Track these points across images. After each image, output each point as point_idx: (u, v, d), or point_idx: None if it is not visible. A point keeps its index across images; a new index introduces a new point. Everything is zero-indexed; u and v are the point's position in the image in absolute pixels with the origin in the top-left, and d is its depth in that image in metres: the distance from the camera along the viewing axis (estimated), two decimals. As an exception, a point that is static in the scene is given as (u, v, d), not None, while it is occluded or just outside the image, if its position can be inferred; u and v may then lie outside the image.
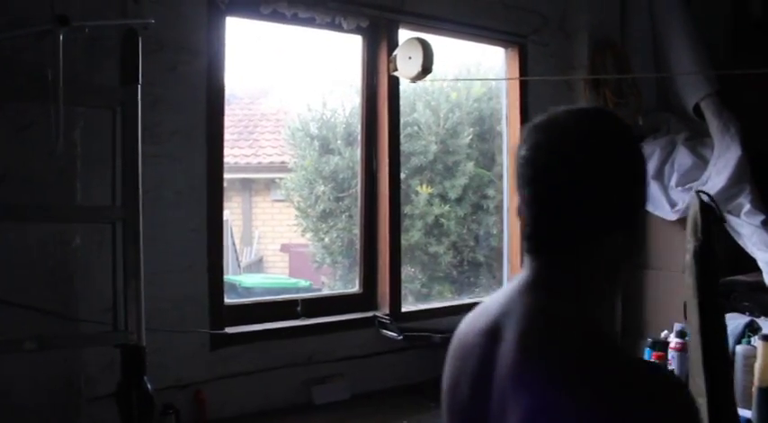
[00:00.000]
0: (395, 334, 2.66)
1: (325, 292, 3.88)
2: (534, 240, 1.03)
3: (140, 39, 1.93)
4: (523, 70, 3.27)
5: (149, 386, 1.85)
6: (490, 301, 1.10)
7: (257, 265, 7.47)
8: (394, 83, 2.82)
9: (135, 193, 1.88)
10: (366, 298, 2.83)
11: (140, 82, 1.91)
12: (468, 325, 1.11)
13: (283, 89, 7.04)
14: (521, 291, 1.03)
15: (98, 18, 1.96)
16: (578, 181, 0.98)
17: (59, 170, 1.96)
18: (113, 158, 1.95)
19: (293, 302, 2.63)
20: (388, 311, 2.78)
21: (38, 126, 1.88)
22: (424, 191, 4.21)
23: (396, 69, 2.68)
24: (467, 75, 4.17)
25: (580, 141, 1.00)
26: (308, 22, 2.59)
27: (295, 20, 2.55)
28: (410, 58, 2.59)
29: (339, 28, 2.68)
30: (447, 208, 4.23)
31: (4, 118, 1.89)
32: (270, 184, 7.68)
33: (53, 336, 1.91)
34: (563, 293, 1.00)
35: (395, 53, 2.67)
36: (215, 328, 2.37)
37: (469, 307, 3.03)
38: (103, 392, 2.05)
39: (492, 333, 1.03)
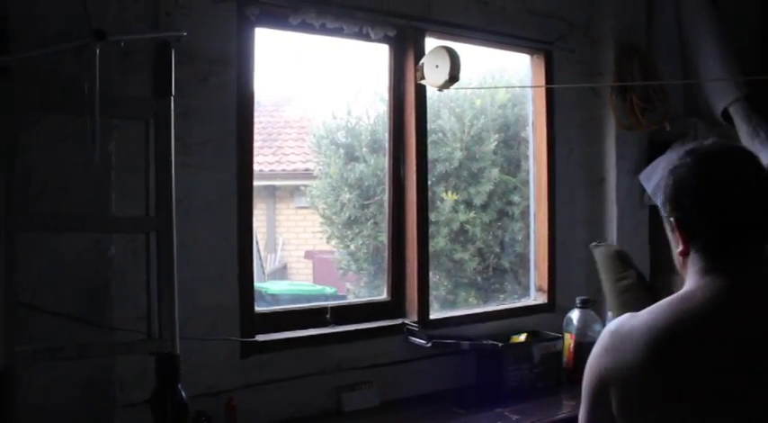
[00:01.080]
0: (423, 341, 2.66)
1: (354, 299, 3.90)
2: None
3: (173, 51, 1.97)
4: (549, 77, 3.27)
5: (184, 394, 1.87)
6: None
7: (281, 272, 7.52)
8: (421, 91, 2.83)
9: (168, 203, 1.91)
10: (394, 305, 2.83)
11: (173, 94, 1.95)
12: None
13: (307, 97, 7.09)
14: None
15: (131, 32, 2.00)
16: None
17: (94, 181, 2.00)
18: (146, 169, 1.99)
19: (322, 310, 2.65)
20: (416, 319, 2.78)
21: (74, 138, 1.91)
22: (450, 197, 4.22)
23: (423, 78, 2.69)
24: (491, 81, 4.17)
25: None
26: (336, 32, 2.61)
27: (323, 30, 2.57)
28: (437, 66, 2.60)
29: (366, 37, 2.70)
30: (472, 214, 4.24)
31: (42, 131, 1.92)
32: (294, 192, 7.73)
33: (90, 344, 1.95)
34: None
35: (422, 62, 2.68)
36: (246, 336, 2.39)
37: (498, 314, 3.04)
38: (137, 399, 2.08)
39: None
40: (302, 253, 7.47)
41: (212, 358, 2.33)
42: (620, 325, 1.26)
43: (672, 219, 1.31)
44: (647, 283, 2.41)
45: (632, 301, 1.99)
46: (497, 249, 4.33)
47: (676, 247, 1.33)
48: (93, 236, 2.01)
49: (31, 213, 1.86)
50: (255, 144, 2.51)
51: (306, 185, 5.57)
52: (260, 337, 2.42)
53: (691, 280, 1.28)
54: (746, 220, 1.25)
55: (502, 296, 4.19)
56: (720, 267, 1.25)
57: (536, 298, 3.30)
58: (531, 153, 3.39)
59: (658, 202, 1.38)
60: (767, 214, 1.25)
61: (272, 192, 7.83)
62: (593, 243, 3.01)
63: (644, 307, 1.30)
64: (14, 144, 1.76)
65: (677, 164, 1.30)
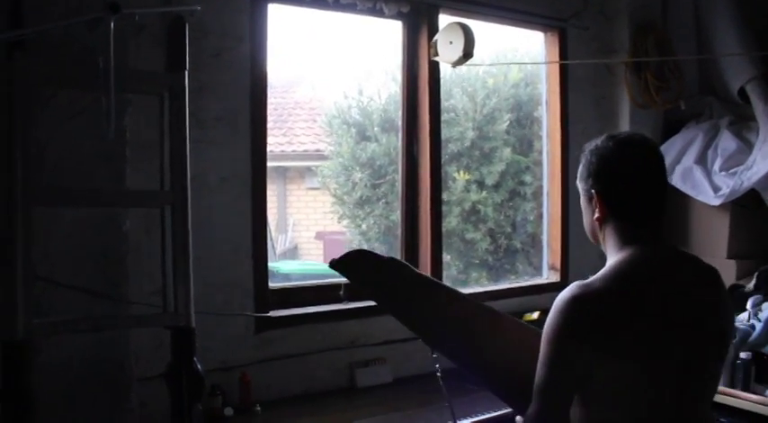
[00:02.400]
0: (436, 318, 2.66)
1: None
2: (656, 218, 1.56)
3: (187, 26, 1.96)
4: (563, 54, 3.25)
5: (199, 367, 1.89)
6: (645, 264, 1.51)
7: (292, 253, 7.53)
8: (434, 68, 2.82)
9: (183, 177, 1.91)
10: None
11: (187, 68, 1.94)
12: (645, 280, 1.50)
13: (317, 77, 7.06)
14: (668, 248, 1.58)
15: (145, 6, 1.99)
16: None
17: (109, 156, 2.00)
18: (161, 144, 1.99)
19: (336, 287, 2.65)
20: (429, 296, 2.79)
21: (88, 113, 1.92)
22: (461, 177, 4.20)
23: (436, 54, 2.68)
24: (504, 61, 4.14)
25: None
26: (350, 7, 2.60)
27: (336, 6, 2.56)
28: (451, 42, 2.59)
29: (380, 13, 2.68)
30: (484, 194, 4.22)
31: (58, 105, 1.93)
32: (304, 173, 7.72)
33: (106, 317, 1.96)
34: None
35: (435, 38, 2.67)
36: (259, 312, 2.41)
37: (511, 292, 3.04)
38: (153, 373, 2.10)
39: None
40: (313, 234, 7.47)
41: (226, 333, 2.35)
42: (582, 291, 1.47)
43: (593, 191, 1.55)
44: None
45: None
46: (509, 229, 4.31)
47: (591, 216, 1.59)
48: (108, 210, 2.02)
49: (47, 188, 1.86)
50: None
51: (317, 166, 5.55)
52: (273, 313, 2.44)
53: (617, 250, 1.54)
54: (652, 194, 1.54)
55: (513, 277, 4.19)
56: (639, 236, 1.52)
57: (549, 276, 3.30)
58: (544, 131, 3.38)
59: (578, 177, 1.61)
60: (664, 192, 1.57)
61: (282, 173, 7.82)
62: None
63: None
64: (30, 118, 1.76)
65: (600, 146, 1.56)
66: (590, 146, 1.58)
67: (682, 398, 1.52)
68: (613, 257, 1.54)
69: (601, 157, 1.54)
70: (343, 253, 1.75)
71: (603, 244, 1.59)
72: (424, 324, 1.81)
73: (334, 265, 1.74)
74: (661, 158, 1.55)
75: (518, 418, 1.65)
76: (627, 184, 1.53)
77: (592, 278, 1.50)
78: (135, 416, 2.09)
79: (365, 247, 4.55)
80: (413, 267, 1.86)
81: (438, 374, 1.87)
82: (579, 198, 1.61)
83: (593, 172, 1.55)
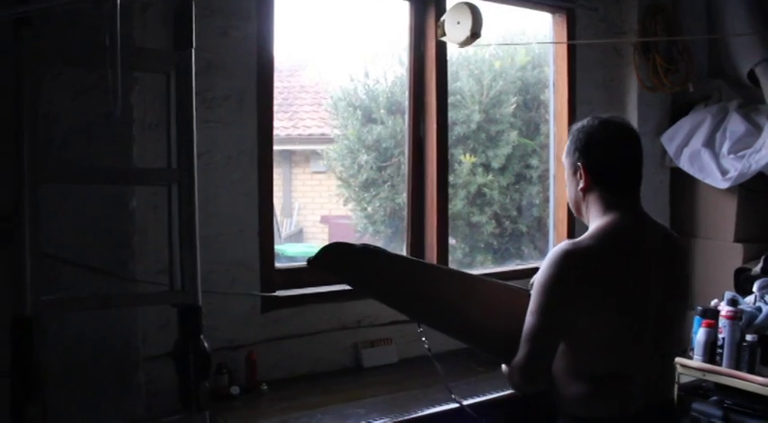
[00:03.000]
0: (442, 299, 2.66)
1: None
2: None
3: (193, 3, 1.95)
4: (571, 36, 3.22)
5: (206, 345, 1.89)
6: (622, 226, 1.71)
7: (297, 237, 7.54)
8: (441, 49, 2.80)
9: (190, 155, 1.91)
10: (413, 263, 2.84)
11: (194, 46, 1.93)
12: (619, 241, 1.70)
13: (322, 61, 7.04)
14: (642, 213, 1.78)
15: (152, -18, 1.98)
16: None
17: (116, 134, 2.00)
18: (168, 123, 1.98)
19: (342, 267, 2.66)
20: (435, 277, 2.79)
21: (96, 91, 1.92)
22: (468, 160, 4.20)
23: (444, 35, 2.66)
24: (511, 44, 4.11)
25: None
26: (357, -13, 2.58)
27: (343, -14, 2.54)
28: (458, 23, 2.57)
29: (387, -7, 2.67)
30: (490, 177, 4.22)
31: (64, 83, 1.92)
32: (310, 156, 7.72)
33: (114, 294, 1.97)
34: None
35: (443, 18, 2.65)
36: (265, 291, 2.41)
37: (517, 273, 3.04)
38: (159, 352, 2.11)
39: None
40: (318, 218, 7.48)
41: (233, 312, 2.35)
42: (572, 247, 1.65)
43: (579, 163, 1.74)
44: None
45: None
46: (514, 213, 4.31)
47: (576, 187, 1.77)
48: (114, 189, 2.02)
49: (55, 165, 1.86)
50: (271, 109, 2.49)
51: (322, 149, 5.55)
52: (280, 293, 2.44)
53: (600, 215, 1.73)
54: (629, 166, 1.75)
55: (518, 260, 4.19)
56: (619, 203, 1.72)
57: (554, 260, 3.29)
58: (551, 113, 3.36)
59: (565, 153, 1.79)
60: (640, 166, 1.76)
61: (287, 156, 7.82)
62: None
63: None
64: (37, 96, 1.75)
65: (586, 125, 1.75)
66: (577, 126, 1.78)
67: (655, 351, 1.70)
68: (597, 222, 1.73)
69: (587, 134, 1.73)
70: (319, 249, 1.80)
71: (586, 213, 1.79)
72: (407, 301, 1.88)
73: (311, 263, 1.80)
74: (638, 137, 1.76)
75: (503, 367, 1.78)
76: (609, 156, 1.73)
77: (580, 237, 1.70)
78: (142, 394, 2.10)
79: (370, 230, 4.56)
80: (386, 250, 1.90)
81: (425, 346, 1.95)
82: None
83: (579, 146, 1.74)
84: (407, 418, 2.18)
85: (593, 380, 1.68)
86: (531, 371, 1.68)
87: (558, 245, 1.67)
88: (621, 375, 1.67)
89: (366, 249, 1.85)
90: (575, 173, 1.77)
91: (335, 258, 1.82)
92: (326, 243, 1.85)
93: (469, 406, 2.15)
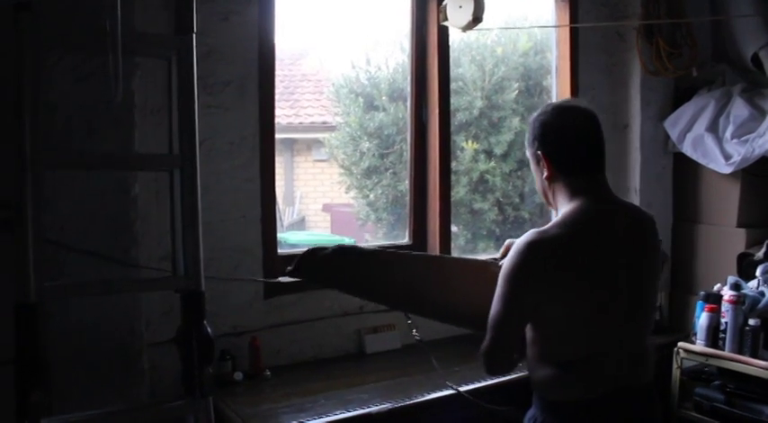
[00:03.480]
0: (445, 285, 2.66)
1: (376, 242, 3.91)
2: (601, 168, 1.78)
3: (194, -13, 1.93)
4: (573, 20, 3.20)
5: (209, 330, 1.89)
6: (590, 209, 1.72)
7: (299, 225, 7.54)
8: (443, 33, 2.79)
9: (192, 141, 1.90)
10: (416, 248, 2.83)
11: (195, 31, 1.92)
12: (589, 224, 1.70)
13: (324, 49, 7.01)
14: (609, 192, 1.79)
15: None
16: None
17: (117, 120, 1.99)
18: (169, 108, 1.97)
19: (344, 253, 2.65)
20: (437, 263, 2.79)
21: (96, 76, 1.91)
22: (470, 147, 4.19)
23: (446, 19, 2.64)
24: (513, 30, 4.09)
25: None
26: (358, -28, 2.57)
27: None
28: (460, 6, 2.56)
29: (388, -23, 2.65)
30: (492, 164, 4.21)
31: (65, 69, 1.91)
32: (311, 145, 7.70)
33: (117, 280, 1.97)
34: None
35: (445, 2, 2.64)
36: (268, 277, 2.41)
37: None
38: (163, 338, 2.12)
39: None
40: (320, 206, 7.47)
41: (235, 299, 2.36)
42: (538, 237, 1.66)
43: (539, 152, 1.75)
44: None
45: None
46: (517, 200, 4.30)
47: (541, 176, 1.78)
48: (116, 175, 2.02)
49: (56, 151, 1.85)
50: (272, 97, 2.48)
51: (324, 137, 5.53)
52: (283, 279, 2.44)
53: (567, 202, 1.74)
54: (589, 151, 1.75)
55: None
56: (585, 189, 1.72)
57: (556, 246, 3.29)
58: (553, 98, 3.35)
59: (526, 144, 1.81)
60: (601, 149, 1.76)
61: (289, 145, 7.80)
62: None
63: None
64: (39, 81, 1.74)
65: (541, 114, 1.77)
66: (534, 115, 1.79)
67: (627, 331, 1.73)
68: (563, 208, 1.74)
69: (543, 123, 1.75)
70: (297, 259, 1.85)
71: (554, 200, 1.79)
72: (389, 294, 1.94)
73: (291, 273, 1.85)
74: (595, 121, 1.76)
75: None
76: (566, 143, 1.74)
77: (547, 226, 1.71)
78: (145, 379, 2.10)
79: (372, 217, 4.55)
80: (360, 247, 2.00)
81: (416, 337, 2.00)
82: None
83: (537, 136, 1.76)
84: (409, 403, 2.19)
85: (563, 364, 1.71)
86: (495, 358, 1.73)
87: (526, 233, 1.69)
88: (591, 359, 1.70)
89: (340, 249, 1.90)
90: (537, 163, 1.79)
91: (314, 264, 1.86)
92: (303, 250, 1.88)
93: (470, 391, 2.16)
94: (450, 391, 2.17)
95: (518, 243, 1.69)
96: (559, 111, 1.77)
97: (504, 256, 1.90)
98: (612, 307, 1.70)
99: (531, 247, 1.65)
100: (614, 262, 1.71)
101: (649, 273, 1.80)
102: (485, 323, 1.73)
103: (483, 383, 2.33)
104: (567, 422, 1.73)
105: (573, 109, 1.78)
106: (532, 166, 1.83)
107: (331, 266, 1.87)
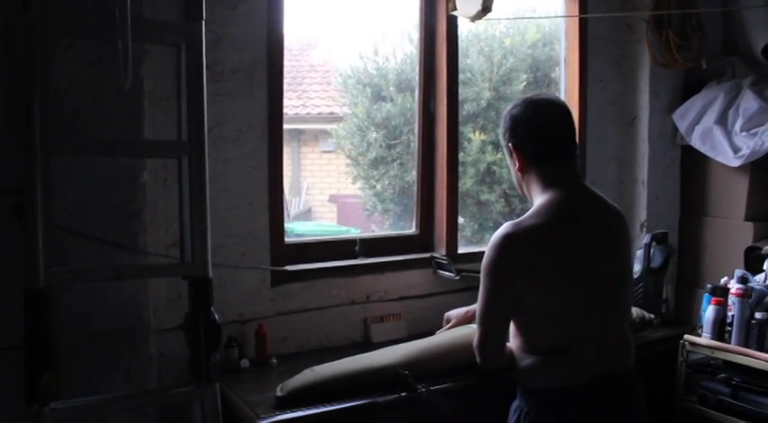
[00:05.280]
0: (452, 274, 2.67)
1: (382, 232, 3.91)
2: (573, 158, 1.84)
3: (202, -26, 1.93)
4: (583, 11, 3.18)
5: (217, 316, 1.90)
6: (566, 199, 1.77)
7: (306, 216, 7.55)
8: (452, 23, 2.78)
9: (200, 128, 1.90)
10: (423, 239, 2.84)
11: (204, 18, 1.92)
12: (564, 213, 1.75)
13: (331, 40, 6.99)
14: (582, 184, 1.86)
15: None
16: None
17: (126, 107, 2.00)
18: (178, 95, 1.98)
19: (351, 242, 2.67)
20: (444, 252, 2.80)
21: (106, 63, 1.91)
22: (477, 138, 4.17)
23: (455, 9, 2.64)
24: (522, 21, 4.07)
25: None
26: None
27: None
28: (470, -4, 2.55)
29: (398, -34, 2.64)
30: (499, 155, 4.19)
31: (74, 55, 1.92)
32: (318, 136, 7.70)
33: (125, 266, 1.98)
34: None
35: (454, -8, 2.63)
36: (275, 265, 2.42)
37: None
38: (170, 325, 2.13)
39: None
40: (326, 197, 7.48)
41: (242, 286, 2.36)
42: (514, 229, 1.71)
43: (510, 144, 1.83)
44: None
45: None
46: (523, 191, 4.29)
47: (514, 167, 1.85)
48: (125, 162, 2.03)
49: (66, 137, 1.86)
50: (280, 88, 2.47)
51: (331, 128, 5.53)
52: (290, 267, 2.45)
53: (540, 192, 1.78)
54: (558, 141, 1.80)
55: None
56: (558, 179, 1.77)
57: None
58: (562, 92, 3.33)
59: (500, 135, 1.89)
60: (570, 140, 1.82)
61: (296, 136, 7.80)
62: None
63: None
64: (48, 67, 1.75)
65: (513, 107, 1.83)
66: (507, 108, 1.86)
67: (605, 319, 1.77)
68: (538, 199, 1.79)
69: (512, 116, 1.82)
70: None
71: (528, 192, 1.84)
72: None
73: (285, 403, 1.97)
74: (564, 112, 1.82)
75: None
76: (534, 135, 1.79)
77: (522, 217, 1.75)
78: (153, 365, 2.12)
79: (379, 208, 4.55)
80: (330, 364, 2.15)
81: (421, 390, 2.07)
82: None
83: (508, 128, 1.83)
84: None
85: (543, 353, 1.76)
86: (485, 352, 1.82)
87: (502, 226, 1.73)
88: (570, 348, 1.74)
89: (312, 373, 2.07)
90: (510, 155, 1.85)
91: (303, 392, 2.00)
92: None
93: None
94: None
95: (493, 236, 1.74)
96: (528, 104, 1.81)
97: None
98: (589, 296, 1.74)
99: (507, 239, 1.70)
100: (590, 252, 1.75)
101: (623, 260, 1.85)
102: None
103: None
104: (551, 410, 1.77)
105: (542, 101, 1.83)
106: (507, 158, 1.89)
107: (321, 387, 2.03)
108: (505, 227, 1.73)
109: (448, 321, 2.37)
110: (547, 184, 1.78)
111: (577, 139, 1.90)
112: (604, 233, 1.78)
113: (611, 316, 1.80)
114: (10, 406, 1.80)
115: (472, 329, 1.97)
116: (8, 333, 1.81)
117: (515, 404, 1.87)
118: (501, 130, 1.88)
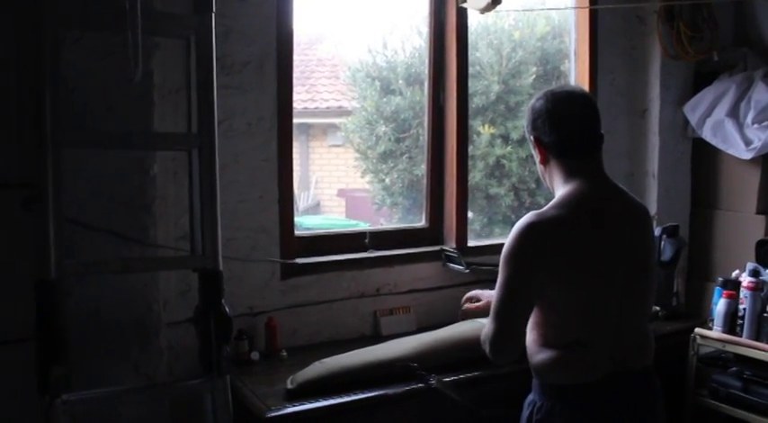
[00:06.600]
0: (461, 267, 2.67)
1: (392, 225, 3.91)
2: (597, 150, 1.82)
3: (212, -33, 1.93)
4: (593, 2, 3.17)
5: (227, 309, 1.90)
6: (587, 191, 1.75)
7: (314, 210, 7.55)
8: (462, 16, 2.77)
9: (210, 121, 1.90)
10: (432, 232, 2.84)
11: (214, 10, 1.92)
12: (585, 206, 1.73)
13: (340, 34, 6.98)
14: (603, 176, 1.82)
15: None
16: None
17: (136, 100, 2.00)
18: (188, 88, 1.98)
19: (361, 235, 2.67)
20: (454, 246, 2.79)
21: (116, 55, 1.91)
22: (486, 131, 4.16)
23: (464, 1, 2.62)
24: (531, 14, 4.05)
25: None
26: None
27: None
28: (479, -12, 2.54)
29: (407, -42, 2.63)
30: (509, 149, 4.17)
31: (85, 47, 1.92)
32: (327, 130, 7.69)
33: (135, 258, 1.99)
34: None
35: (463, -16, 2.62)
36: (285, 258, 2.42)
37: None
38: (181, 317, 2.14)
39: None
40: (335, 191, 7.48)
41: (253, 279, 2.37)
42: (537, 218, 1.68)
43: (531, 137, 1.83)
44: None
45: None
46: (533, 185, 4.27)
47: (537, 158, 1.84)
48: (135, 154, 2.03)
49: (76, 130, 1.87)
50: (288, 82, 2.47)
51: (340, 122, 5.52)
52: (300, 260, 2.45)
53: (562, 184, 1.77)
54: (579, 133, 1.78)
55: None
56: (580, 170, 1.75)
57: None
58: (572, 83, 3.31)
59: (524, 128, 1.87)
60: (592, 133, 1.79)
61: (305, 130, 7.79)
62: None
63: None
64: (58, 60, 1.75)
65: (536, 100, 1.81)
66: (530, 103, 1.85)
67: (624, 316, 1.74)
68: (560, 190, 1.77)
69: (533, 109, 1.82)
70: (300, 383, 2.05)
71: (551, 183, 1.83)
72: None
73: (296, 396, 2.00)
74: (587, 104, 1.81)
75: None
76: (555, 126, 1.77)
77: (545, 208, 1.73)
78: (163, 358, 2.12)
79: (388, 202, 4.54)
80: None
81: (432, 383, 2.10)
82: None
83: (530, 121, 1.83)
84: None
85: (560, 347, 1.73)
86: (500, 345, 1.74)
87: (525, 215, 1.71)
88: (587, 343, 1.71)
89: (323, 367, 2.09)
90: (534, 147, 1.84)
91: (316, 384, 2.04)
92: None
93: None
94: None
95: (516, 226, 1.71)
96: (549, 96, 1.80)
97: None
98: (610, 291, 1.71)
99: (530, 228, 1.67)
100: (612, 245, 1.72)
101: (646, 256, 1.81)
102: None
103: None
104: (566, 405, 1.74)
105: (563, 94, 1.81)
106: (532, 150, 1.87)
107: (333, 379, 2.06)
108: (528, 216, 1.70)
109: (470, 299, 2.23)
110: (568, 176, 1.76)
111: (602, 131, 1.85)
112: (627, 228, 1.76)
113: (631, 312, 1.77)
114: (23, 397, 1.81)
115: (480, 324, 1.94)
116: (21, 326, 1.81)
117: (529, 398, 1.85)
118: (524, 123, 1.87)
